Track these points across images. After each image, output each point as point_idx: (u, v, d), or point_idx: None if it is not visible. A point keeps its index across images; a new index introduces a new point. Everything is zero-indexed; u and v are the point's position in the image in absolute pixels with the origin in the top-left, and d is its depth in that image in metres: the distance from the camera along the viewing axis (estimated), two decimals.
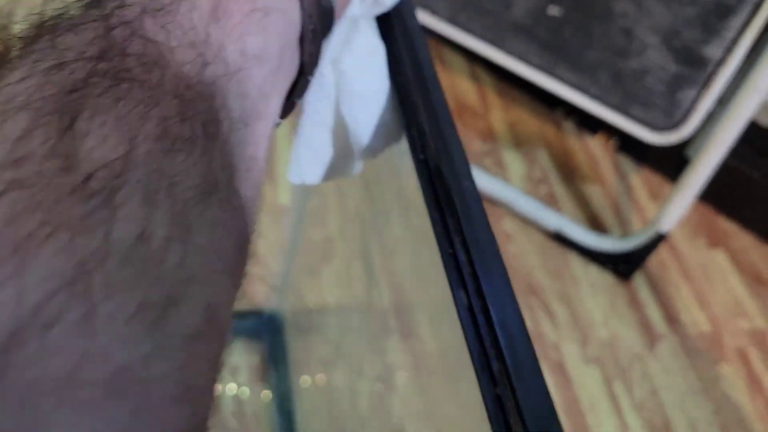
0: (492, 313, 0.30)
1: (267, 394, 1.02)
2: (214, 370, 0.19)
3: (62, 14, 0.20)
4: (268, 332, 1.06)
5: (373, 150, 0.38)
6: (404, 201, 0.46)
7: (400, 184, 0.45)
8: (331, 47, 0.33)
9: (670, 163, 1.42)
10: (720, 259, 1.37)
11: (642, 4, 1.07)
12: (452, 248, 0.31)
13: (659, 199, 1.43)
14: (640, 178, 1.47)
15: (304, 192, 0.82)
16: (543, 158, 1.46)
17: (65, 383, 0.15)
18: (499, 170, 1.42)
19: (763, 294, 1.33)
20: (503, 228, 1.33)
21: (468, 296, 0.31)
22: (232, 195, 0.21)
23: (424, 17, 1.23)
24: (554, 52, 1.17)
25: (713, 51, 1.05)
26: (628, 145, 1.48)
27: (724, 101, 1.13)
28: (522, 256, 1.30)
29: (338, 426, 0.76)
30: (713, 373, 1.21)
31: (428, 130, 0.37)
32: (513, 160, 1.44)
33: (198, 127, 0.19)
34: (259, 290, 1.09)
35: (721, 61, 1.05)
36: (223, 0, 0.22)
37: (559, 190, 1.42)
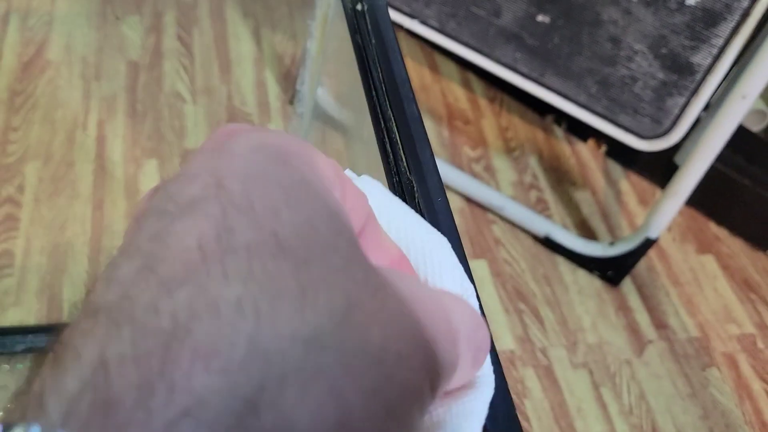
0: None
1: None
2: None
3: None
4: None
5: None
6: None
7: None
8: None
9: (660, 168, 1.43)
10: (709, 264, 1.38)
11: (630, 11, 1.07)
12: None
13: (648, 204, 1.43)
14: (629, 184, 1.47)
15: None
16: (533, 164, 1.47)
17: None
18: (490, 176, 1.42)
19: (752, 299, 1.33)
20: (493, 233, 1.34)
21: None
22: None
23: (414, 25, 1.23)
24: (543, 60, 1.17)
25: (701, 58, 1.06)
26: (617, 151, 1.49)
27: (712, 107, 1.13)
28: (511, 262, 1.30)
29: None
30: (702, 378, 1.22)
31: (402, 145, 0.38)
32: (503, 166, 1.45)
33: None
34: None
35: (709, 68, 1.06)
36: None
37: (549, 195, 1.42)
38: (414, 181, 0.35)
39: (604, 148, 1.51)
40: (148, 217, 0.18)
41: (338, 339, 0.16)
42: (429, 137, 0.37)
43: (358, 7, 0.45)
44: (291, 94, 1.47)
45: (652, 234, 1.21)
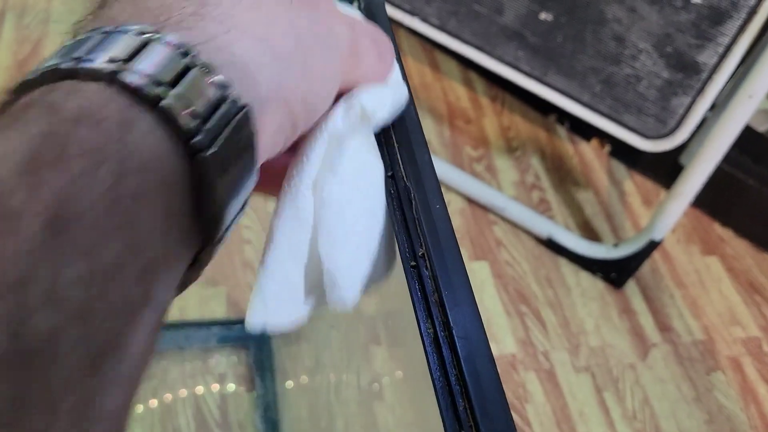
0: (459, 347, 0.28)
1: (253, 402, 1.01)
2: None
3: None
4: (255, 340, 1.05)
5: (351, 295, 0.30)
6: None
7: None
8: (311, 165, 0.28)
9: (664, 169, 1.41)
10: (714, 266, 1.36)
11: (635, 9, 1.05)
12: (420, 282, 0.30)
13: (653, 205, 1.41)
14: (633, 185, 1.45)
15: None
16: (535, 164, 1.45)
17: None
18: (491, 176, 1.40)
19: (758, 302, 1.31)
20: (494, 234, 1.32)
21: (435, 328, 0.29)
22: None
23: (414, 23, 1.21)
24: (545, 58, 1.15)
25: (707, 57, 1.04)
26: (621, 151, 1.47)
27: (718, 107, 1.12)
28: (513, 263, 1.29)
29: None
30: (707, 382, 1.20)
31: (398, 146, 0.36)
32: (505, 166, 1.43)
33: None
34: (246, 298, 1.07)
35: (715, 68, 1.04)
36: None
37: (552, 196, 1.40)
38: (411, 188, 0.33)
39: (607, 147, 1.49)
40: None
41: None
42: (429, 137, 0.35)
43: (354, 4, 0.43)
44: None
45: (657, 236, 1.19)
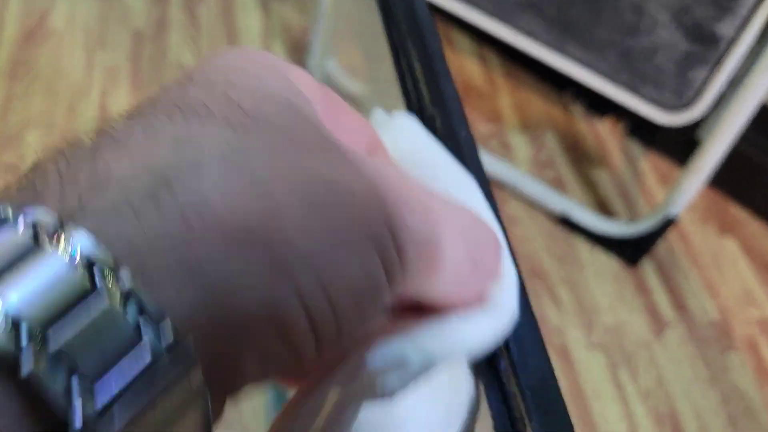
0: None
1: (265, 392, 1.01)
2: None
3: None
4: None
5: None
6: None
7: None
8: None
9: (680, 146, 1.39)
10: (730, 246, 1.34)
11: None
12: None
13: (668, 183, 1.40)
14: (649, 162, 1.44)
15: None
16: (550, 141, 1.43)
17: None
18: (505, 152, 1.39)
19: None
20: (509, 211, 1.31)
21: None
22: None
23: None
24: (563, 29, 1.14)
25: (725, 28, 1.02)
26: (637, 128, 1.45)
27: (735, 82, 1.10)
28: (527, 240, 1.27)
29: None
30: (721, 362, 1.19)
31: (423, 79, 0.35)
32: (519, 143, 1.42)
33: None
34: None
35: (733, 39, 1.02)
36: None
37: (566, 173, 1.39)
38: (437, 115, 0.32)
39: (623, 125, 1.47)
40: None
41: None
42: None
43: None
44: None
45: (673, 212, 1.17)
